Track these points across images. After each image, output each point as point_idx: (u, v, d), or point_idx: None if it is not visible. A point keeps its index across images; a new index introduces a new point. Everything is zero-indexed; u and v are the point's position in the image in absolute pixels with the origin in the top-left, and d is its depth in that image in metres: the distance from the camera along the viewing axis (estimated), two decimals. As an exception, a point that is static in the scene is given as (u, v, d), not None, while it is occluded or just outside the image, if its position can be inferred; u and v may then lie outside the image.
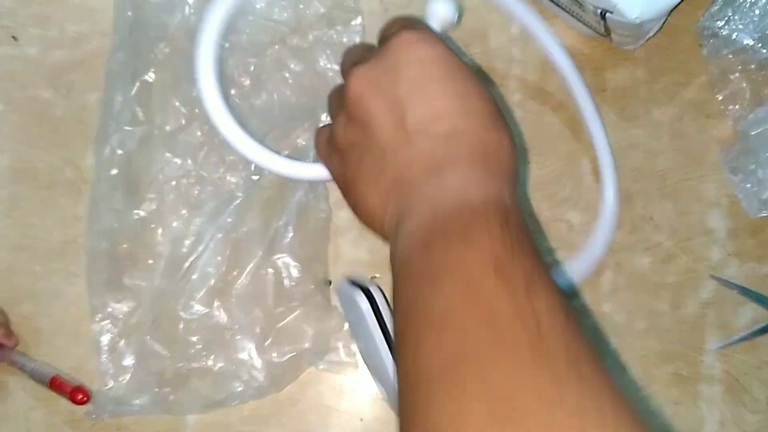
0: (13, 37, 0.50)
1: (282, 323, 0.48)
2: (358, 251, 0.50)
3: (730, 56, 0.50)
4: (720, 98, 0.51)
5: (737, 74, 0.50)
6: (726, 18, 0.49)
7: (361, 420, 0.49)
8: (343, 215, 0.50)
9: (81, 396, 0.47)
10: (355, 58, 0.33)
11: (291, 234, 0.49)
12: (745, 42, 0.49)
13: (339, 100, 0.32)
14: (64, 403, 0.47)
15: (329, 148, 0.34)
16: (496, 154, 0.29)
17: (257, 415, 0.48)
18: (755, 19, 0.49)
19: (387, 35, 0.32)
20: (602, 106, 0.51)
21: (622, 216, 0.49)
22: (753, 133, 0.49)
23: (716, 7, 0.50)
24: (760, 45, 0.49)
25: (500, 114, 0.31)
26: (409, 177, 0.29)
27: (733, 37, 0.49)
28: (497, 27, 0.52)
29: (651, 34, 0.50)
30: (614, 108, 0.52)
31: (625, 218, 0.50)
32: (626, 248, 0.50)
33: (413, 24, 0.32)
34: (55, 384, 0.47)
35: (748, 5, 0.49)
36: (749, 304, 0.50)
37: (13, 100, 0.50)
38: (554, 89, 0.51)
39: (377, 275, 0.49)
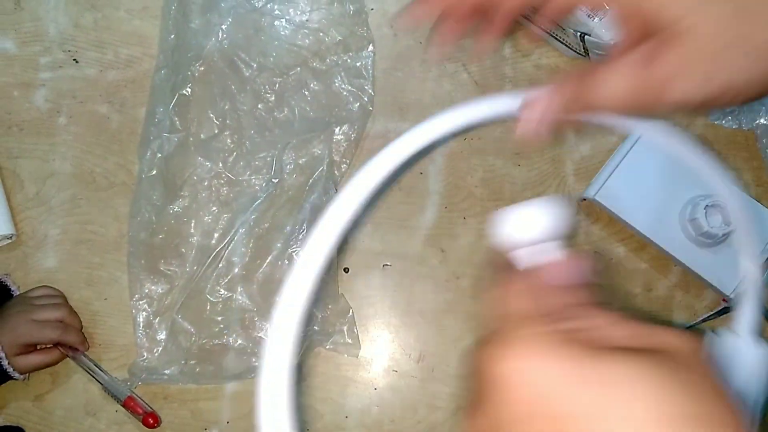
0: (74, 60, 0.58)
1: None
2: (371, 242, 0.57)
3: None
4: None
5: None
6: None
7: (375, 389, 0.56)
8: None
9: (152, 421, 0.53)
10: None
11: (306, 230, 0.54)
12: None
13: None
14: (116, 374, 0.54)
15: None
16: None
17: (285, 385, 0.55)
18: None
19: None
20: (582, 116, 0.58)
21: (600, 212, 0.57)
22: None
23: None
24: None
25: None
26: None
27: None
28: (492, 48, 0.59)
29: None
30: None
31: (602, 214, 0.57)
32: (604, 239, 0.58)
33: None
34: (129, 405, 0.53)
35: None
36: (710, 289, 0.57)
37: (75, 114, 0.57)
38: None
39: (388, 263, 0.57)
